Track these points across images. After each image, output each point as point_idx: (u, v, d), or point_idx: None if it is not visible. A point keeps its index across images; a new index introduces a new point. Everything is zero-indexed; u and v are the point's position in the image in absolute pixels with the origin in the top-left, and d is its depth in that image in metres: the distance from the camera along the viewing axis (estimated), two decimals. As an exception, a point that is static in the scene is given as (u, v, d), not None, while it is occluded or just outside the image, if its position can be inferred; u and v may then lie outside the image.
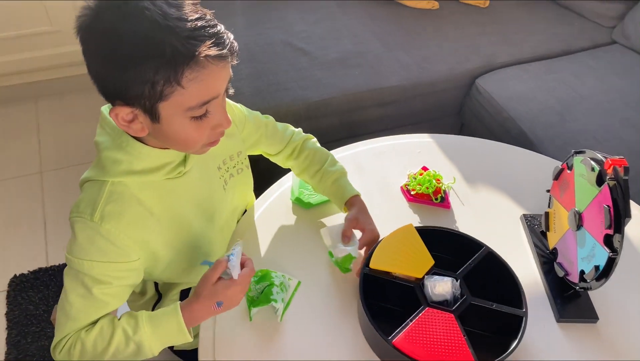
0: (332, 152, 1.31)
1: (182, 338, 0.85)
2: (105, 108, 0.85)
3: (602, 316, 1.00)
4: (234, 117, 1.03)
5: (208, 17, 0.74)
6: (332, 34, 1.90)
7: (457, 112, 1.94)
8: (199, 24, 0.71)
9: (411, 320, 0.90)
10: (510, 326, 0.92)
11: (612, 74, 1.80)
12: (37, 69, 2.27)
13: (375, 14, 2.04)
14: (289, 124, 1.21)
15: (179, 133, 0.78)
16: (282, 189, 1.23)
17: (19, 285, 1.68)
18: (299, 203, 1.18)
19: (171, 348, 1.13)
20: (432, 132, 1.41)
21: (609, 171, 0.90)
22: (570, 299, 1.02)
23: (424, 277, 0.96)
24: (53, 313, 0.98)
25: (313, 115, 1.66)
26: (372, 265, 0.98)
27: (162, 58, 0.69)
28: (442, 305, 0.93)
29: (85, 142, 2.20)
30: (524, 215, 1.18)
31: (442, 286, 0.95)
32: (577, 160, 1.00)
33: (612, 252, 0.88)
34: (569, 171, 1.04)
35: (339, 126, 1.73)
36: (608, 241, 0.89)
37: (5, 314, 1.62)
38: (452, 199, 1.22)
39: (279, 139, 1.16)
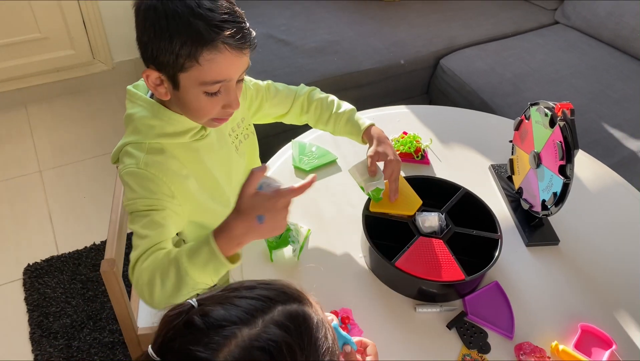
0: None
1: (221, 265, 0.84)
2: (131, 87, 1.01)
3: (562, 239, 1.20)
4: None
5: (237, 14, 0.87)
6: (309, 25, 2.08)
7: (425, 91, 2.15)
8: (225, 18, 0.85)
9: (408, 247, 1.08)
10: (488, 251, 1.11)
11: (557, 50, 2.05)
12: (27, 75, 2.36)
13: (346, 7, 2.23)
14: (288, 85, 1.31)
15: (193, 103, 0.93)
16: (284, 157, 1.40)
17: (34, 272, 1.78)
18: (299, 169, 1.35)
19: None
20: (407, 108, 1.60)
21: (559, 113, 1.11)
22: (536, 228, 1.22)
23: (415, 214, 1.15)
24: (102, 266, 1.08)
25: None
26: (371, 208, 1.15)
27: (188, 36, 0.84)
28: (432, 235, 1.12)
29: (79, 141, 2.31)
30: (491, 165, 1.39)
31: (430, 220, 1.13)
32: (533, 110, 1.21)
33: (565, 178, 1.09)
34: (527, 121, 1.24)
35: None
36: (562, 170, 1.10)
37: (25, 298, 1.72)
38: (431, 157, 1.41)
39: (282, 98, 1.28)
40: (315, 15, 2.16)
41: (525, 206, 1.24)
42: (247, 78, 1.23)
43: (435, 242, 1.09)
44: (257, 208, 0.81)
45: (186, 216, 1.04)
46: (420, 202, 1.17)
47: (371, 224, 1.13)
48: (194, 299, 0.54)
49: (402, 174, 1.24)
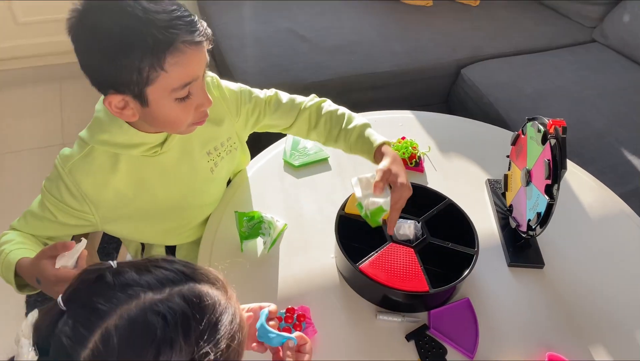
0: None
1: (9, 280, 0.93)
2: None
3: (548, 263, 1.14)
4: (227, 100, 1.13)
5: (183, 8, 0.83)
6: (333, 24, 2.07)
7: (444, 100, 2.10)
8: (175, 15, 0.81)
9: (376, 252, 1.05)
10: (466, 266, 1.07)
11: (587, 69, 1.95)
12: (64, 52, 2.45)
13: (374, 9, 2.21)
14: (299, 95, 1.26)
15: (168, 115, 0.88)
16: (276, 150, 1.39)
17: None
18: (288, 164, 1.34)
19: None
20: (421, 118, 1.56)
21: (551, 130, 1.05)
22: (522, 249, 1.17)
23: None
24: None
25: (309, 95, 1.82)
26: (346, 210, 1.13)
27: (146, 47, 0.79)
28: (405, 243, 1.08)
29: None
30: (488, 180, 1.33)
31: (405, 227, 1.10)
32: (529, 125, 1.15)
33: (550, 199, 1.03)
34: (523, 136, 1.19)
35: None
36: (548, 190, 1.04)
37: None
38: (426, 165, 1.37)
39: (285, 112, 1.22)
40: (341, 15, 2.15)
41: (513, 225, 1.18)
42: (244, 90, 1.18)
43: (405, 250, 1.06)
44: (36, 271, 0.84)
45: (101, 224, 1.02)
46: (398, 208, 1.14)
47: (346, 227, 1.11)
48: (115, 262, 0.55)
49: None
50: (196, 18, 0.86)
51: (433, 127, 1.50)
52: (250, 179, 1.30)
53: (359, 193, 1.02)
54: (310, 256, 1.13)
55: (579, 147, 1.60)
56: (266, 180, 1.30)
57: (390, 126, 1.49)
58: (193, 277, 0.55)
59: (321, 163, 1.35)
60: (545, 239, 1.19)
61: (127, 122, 0.93)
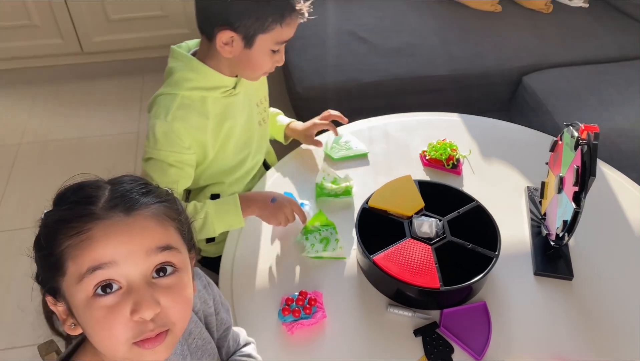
0: (366, 120, 1.51)
1: (236, 220, 1.14)
2: (175, 46, 1.15)
3: (578, 276, 1.10)
4: None
5: None
6: (394, 27, 2.09)
7: (505, 108, 2.04)
8: None
9: (393, 245, 1.07)
10: (486, 268, 1.05)
11: (664, 81, 1.82)
12: (147, 47, 2.66)
13: (439, 13, 2.19)
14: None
15: (258, 59, 1.09)
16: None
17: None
18: (328, 156, 1.38)
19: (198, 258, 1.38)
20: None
21: (583, 136, 1.02)
22: (551, 258, 1.13)
23: (412, 216, 1.13)
24: None
25: (363, 95, 1.86)
26: (370, 203, 1.15)
27: (276, 3, 1.03)
28: (425, 240, 1.09)
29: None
30: (527, 187, 1.30)
31: (427, 225, 1.10)
32: (565, 131, 1.12)
33: (577, 207, 1.00)
34: (560, 142, 1.15)
35: (386, 107, 1.89)
36: (576, 198, 1.01)
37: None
38: (465, 168, 1.35)
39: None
40: (405, 19, 2.15)
41: (544, 233, 1.15)
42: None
43: (423, 247, 1.06)
44: (277, 194, 1.16)
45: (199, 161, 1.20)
46: (422, 204, 1.15)
47: (370, 220, 1.13)
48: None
49: (425, 178, 1.22)
50: None
51: (478, 131, 1.48)
52: (289, 168, 1.35)
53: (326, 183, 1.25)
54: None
55: (639, 162, 1.50)
56: (302, 172, 1.35)
57: (433, 128, 1.49)
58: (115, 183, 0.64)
59: (360, 158, 1.38)
60: (579, 251, 1.14)
61: (204, 63, 1.11)
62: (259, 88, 1.29)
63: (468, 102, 1.98)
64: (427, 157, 1.35)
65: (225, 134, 1.19)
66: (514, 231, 1.19)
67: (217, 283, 1.08)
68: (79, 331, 0.62)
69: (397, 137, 1.45)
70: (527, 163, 1.37)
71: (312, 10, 1.10)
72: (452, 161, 1.34)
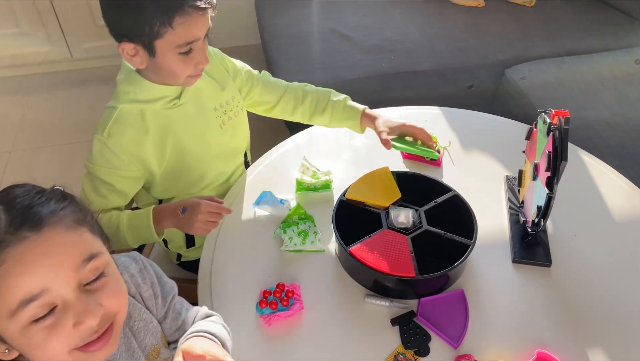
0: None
1: (149, 234, 1.10)
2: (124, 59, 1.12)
3: (557, 263, 1.09)
4: (228, 69, 1.28)
5: None
6: (377, 24, 2.10)
7: (489, 101, 2.04)
8: None
9: (369, 236, 1.07)
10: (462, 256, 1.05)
11: (647, 70, 1.83)
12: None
13: (423, 9, 2.20)
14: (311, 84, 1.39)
15: (170, 65, 1.04)
16: (283, 149, 1.44)
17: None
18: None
19: (179, 262, 1.38)
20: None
21: (555, 121, 1.02)
22: (529, 246, 1.13)
23: (389, 207, 1.13)
24: None
25: (348, 92, 1.84)
26: (347, 196, 1.16)
27: (157, 7, 0.96)
28: (402, 231, 1.09)
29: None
30: (506, 176, 1.30)
31: (403, 215, 1.10)
32: (539, 118, 1.12)
33: (549, 191, 1.00)
34: (535, 129, 1.16)
35: (370, 104, 1.90)
36: (549, 183, 1.01)
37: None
38: (445, 160, 1.36)
39: (273, 88, 1.36)
40: (388, 16, 2.16)
41: (521, 220, 1.15)
42: (240, 64, 1.33)
43: (399, 237, 1.07)
44: (187, 201, 1.06)
45: (145, 177, 1.16)
46: (399, 195, 1.15)
47: (347, 213, 1.14)
48: (59, 187, 0.64)
49: (394, 168, 1.23)
50: None
51: (458, 123, 1.49)
52: (269, 164, 1.36)
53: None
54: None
55: (620, 150, 1.50)
56: (282, 168, 1.35)
57: (413, 121, 1.47)
58: (10, 201, 0.57)
59: (337, 155, 1.38)
60: (557, 238, 1.14)
61: (142, 76, 1.08)
62: (218, 92, 1.24)
63: (452, 96, 1.99)
64: (406, 150, 1.36)
65: (173, 147, 1.15)
66: (493, 220, 1.19)
67: (195, 281, 1.09)
68: (14, 355, 0.58)
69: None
70: (507, 153, 1.37)
71: (213, 5, 1.03)
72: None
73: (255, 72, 1.36)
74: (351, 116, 1.33)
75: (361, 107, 1.33)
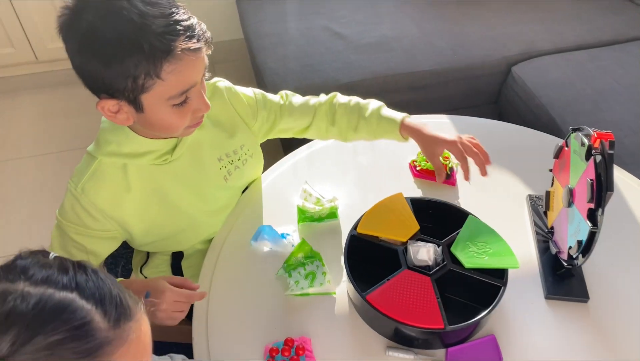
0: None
1: None
2: None
3: (594, 297, 0.99)
4: (243, 110, 1.09)
5: (182, 10, 0.80)
6: (371, 19, 1.95)
7: (493, 100, 1.92)
8: (172, 19, 0.77)
9: (388, 279, 0.94)
10: (491, 296, 0.94)
11: (661, 65, 1.72)
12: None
13: (418, 3, 2.05)
14: (310, 96, 1.20)
15: (163, 120, 0.86)
16: (293, 160, 1.30)
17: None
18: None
19: None
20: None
21: (596, 145, 0.90)
22: (562, 278, 1.02)
23: (407, 242, 1.00)
24: None
25: (343, 96, 1.71)
26: (359, 230, 1.02)
27: (141, 54, 0.75)
28: (424, 270, 0.96)
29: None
30: (529, 195, 1.18)
31: (424, 252, 0.98)
32: (572, 136, 1.00)
33: (593, 226, 0.88)
34: (566, 149, 1.03)
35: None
36: (591, 215, 0.89)
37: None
38: (459, 177, 1.23)
39: (303, 112, 1.16)
40: (381, 10, 2.01)
41: (553, 250, 1.03)
42: (261, 95, 1.13)
43: (421, 278, 0.94)
44: (152, 284, 0.87)
45: (124, 236, 1.01)
46: (417, 228, 1.02)
47: (359, 248, 1.01)
48: (53, 254, 0.54)
49: (416, 190, 1.10)
50: (195, 21, 0.81)
51: (471, 133, 1.35)
52: (265, 190, 1.21)
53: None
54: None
55: (643, 157, 1.39)
56: (280, 193, 1.21)
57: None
58: (83, 289, 0.49)
59: (341, 175, 1.25)
60: (592, 269, 1.03)
61: (128, 127, 0.90)
62: (225, 140, 1.06)
63: (454, 97, 1.86)
64: (417, 168, 1.23)
65: (159, 206, 0.98)
66: (519, 247, 1.07)
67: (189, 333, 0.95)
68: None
69: (384, 145, 1.32)
70: (527, 168, 1.25)
71: (209, 40, 0.83)
72: (445, 171, 1.21)
73: (278, 98, 1.16)
74: (387, 130, 1.13)
75: (399, 117, 1.13)
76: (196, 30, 0.80)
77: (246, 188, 1.21)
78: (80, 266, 0.52)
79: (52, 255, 0.53)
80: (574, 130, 1.00)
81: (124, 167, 0.93)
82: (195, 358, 0.92)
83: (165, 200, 0.99)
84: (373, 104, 1.17)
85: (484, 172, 1.09)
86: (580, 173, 0.94)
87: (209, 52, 0.85)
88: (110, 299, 0.50)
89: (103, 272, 0.53)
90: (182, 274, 1.14)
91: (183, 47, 0.78)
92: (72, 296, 0.47)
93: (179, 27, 0.77)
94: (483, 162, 1.08)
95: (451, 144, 1.08)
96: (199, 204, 1.05)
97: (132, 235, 0.99)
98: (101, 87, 0.81)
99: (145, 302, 0.82)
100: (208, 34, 0.83)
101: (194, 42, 0.79)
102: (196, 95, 0.86)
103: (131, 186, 0.94)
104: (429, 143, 1.10)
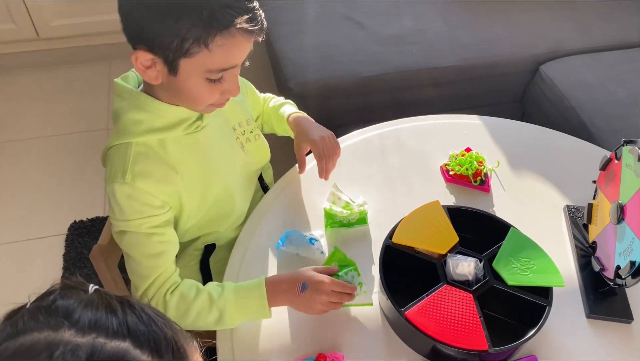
0: (375, 126, 1.30)
1: (262, 313, 0.88)
2: (119, 79, 0.90)
3: (639, 318, 0.94)
4: (241, 86, 1.06)
5: None
6: (394, 9, 1.87)
7: (518, 99, 1.86)
8: None
9: (427, 295, 0.89)
10: (533, 315, 0.89)
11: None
12: (112, 31, 2.38)
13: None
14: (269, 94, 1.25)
15: (191, 90, 0.83)
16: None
17: (77, 230, 1.80)
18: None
19: None
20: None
21: (657, 162, 0.84)
22: (605, 297, 0.97)
23: (447, 255, 0.95)
24: (92, 251, 1.04)
25: (364, 91, 1.65)
26: (394, 239, 0.97)
27: (198, 19, 0.73)
28: (464, 285, 0.91)
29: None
30: (567, 206, 1.13)
31: (464, 266, 0.92)
32: (625, 150, 0.94)
33: (650, 248, 0.83)
34: (616, 161, 0.98)
35: (390, 104, 1.70)
36: (648, 237, 0.84)
37: (63, 255, 1.75)
38: (494, 183, 1.18)
39: (257, 102, 1.20)
40: (406, -1, 1.93)
41: (596, 268, 0.98)
42: (252, 87, 1.17)
43: (462, 295, 0.89)
44: (305, 276, 0.88)
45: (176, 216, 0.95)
46: (456, 239, 0.97)
47: (395, 256, 0.96)
48: (93, 286, 0.47)
49: (450, 204, 1.04)
50: (257, 5, 0.79)
51: (503, 136, 1.30)
52: (288, 190, 1.15)
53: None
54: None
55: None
56: (305, 195, 1.15)
57: (451, 133, 1.30)
58: (137, 336, 0.43)
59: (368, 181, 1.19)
60: (636, 288, 0.98)
61: (150, 94, 0.87)
62: (237, 108, 1.05)
63: (478, 95, 1.80)
64: (450, 173, 1.17)
65: (204, 178, 0.95)
66: (557, 261, 1.01)
67: (214, 349, 0.90)
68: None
69: (413, 147, 1.26)
70: (563, 175, 1.20)
71: (264, 28, 0.81)
72: (479, 177, 1.15)
73: (261, 95, 1.22)
74: (282, 123, 1.17)
75: (289, 112, 1.16)
76: (257, 15, 0.78)
77: (265, 189, 1.17)
78: (127, 303, 0.45)
79: (91, 288, 0.46)
80: (627, 142, 0.94)
81: (161, 143, 0.89)
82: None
83: (207, 170, 0.96)
84: (278, 101, 1.23)
85: (321, 175, 1.10)
86: (635, 190, 0.88)
87: (260, 39, 0.81)
88: (166, 344, 0.43)
89: (151, 308, 0.46)
90: (210, 273, 1.10)
91: (241, 26, 0.76)
92: (125, 345, 0.41)
93: (241, 6, 0.76)
94: (327, 168, 1.09)
95: (312, 143, 1.10)
96: (232, 173, 1.03)
97: (182, 214, 0.94)
98: (143, 39, 0.77)
99: (303, 295, 0.82)
100: (265, 22, 0.80)
101: (252, 26, 0.77)
102: (231, 77, 0.84)
103: (174, 164, 0.90)
104: (298, 136, 1.13)
